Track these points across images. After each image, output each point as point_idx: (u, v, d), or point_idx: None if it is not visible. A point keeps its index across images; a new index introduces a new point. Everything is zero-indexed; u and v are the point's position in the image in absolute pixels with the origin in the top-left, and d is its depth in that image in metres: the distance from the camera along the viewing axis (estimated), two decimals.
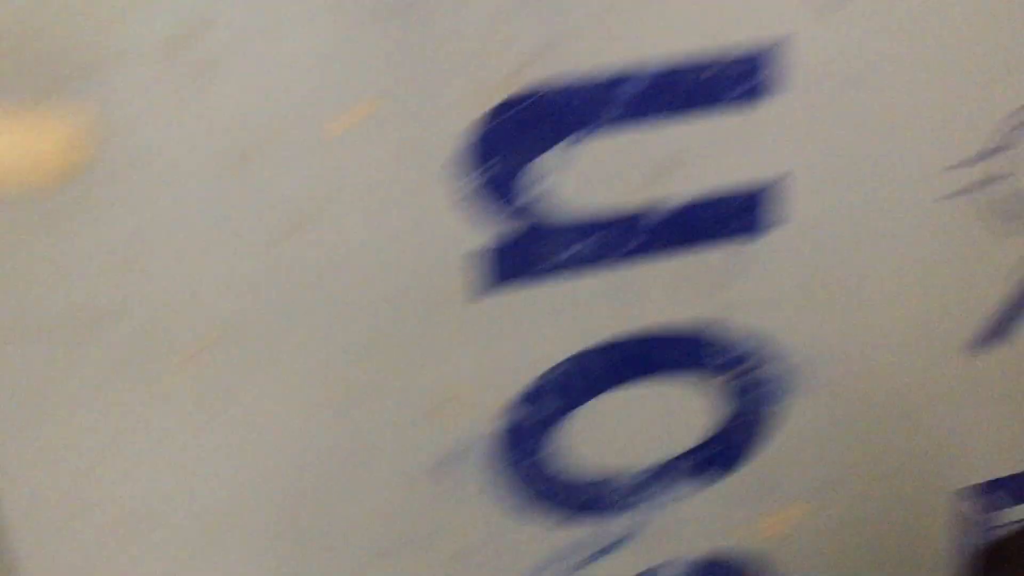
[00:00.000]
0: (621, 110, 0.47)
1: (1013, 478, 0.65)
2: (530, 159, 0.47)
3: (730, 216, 0.52)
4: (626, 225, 0.50)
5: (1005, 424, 0.64)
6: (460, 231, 0.48)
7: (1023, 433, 0.64)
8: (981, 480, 0.65)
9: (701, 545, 0.59)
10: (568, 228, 0.49)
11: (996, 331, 0.61)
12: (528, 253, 0.49)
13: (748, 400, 0.56)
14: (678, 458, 0.56)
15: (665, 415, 0.55)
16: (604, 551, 0.57)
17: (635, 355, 0.53)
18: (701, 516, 0.58)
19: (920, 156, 0.55)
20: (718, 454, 0.57)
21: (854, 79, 0.51)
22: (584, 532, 0.56)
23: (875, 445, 0.61)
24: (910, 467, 0.63)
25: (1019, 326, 0.61)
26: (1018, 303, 0.60)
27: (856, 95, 0.52)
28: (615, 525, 0.56)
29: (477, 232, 0.48)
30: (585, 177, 0.48)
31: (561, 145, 0.47)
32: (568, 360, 0.51)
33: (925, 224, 0.56)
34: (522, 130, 0.46)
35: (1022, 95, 0.55)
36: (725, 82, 0.49)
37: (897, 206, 0.56)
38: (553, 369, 0.51)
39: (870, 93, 0.52)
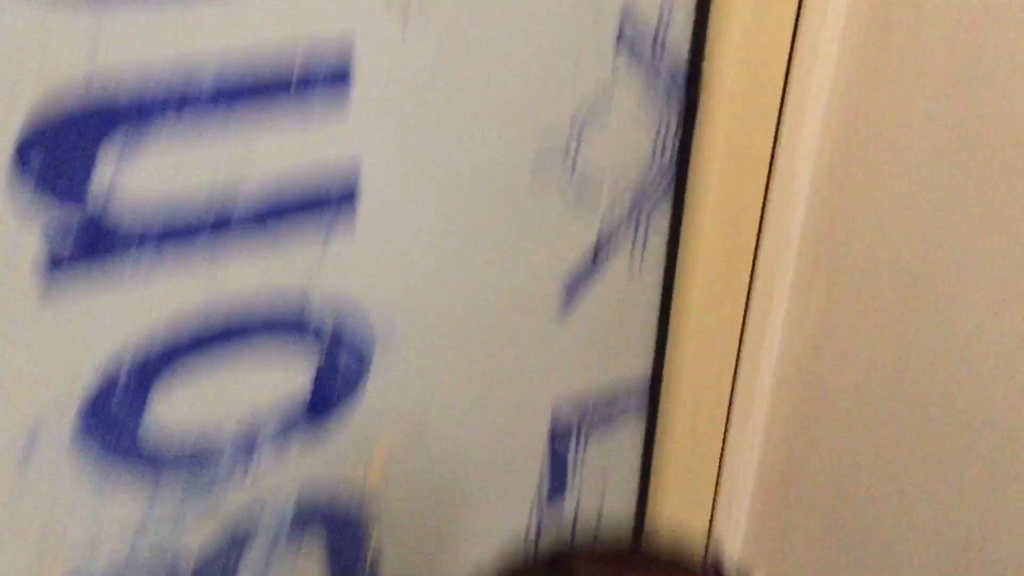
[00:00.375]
0: (190, 105, 0.50)
1: (593, 395, 0.76)
2: (92, 154, 0.49)
3: (309, 198, 0.56)
4: (207, 206, 0.53)
5: (587, 359, 0.74)
6: (24, 224, 0.49)
7: (598, 367, 0.75)
8: (570, 414, 0.76)
9: (306, 490, 0.65)
10: (141, 209, 0.51)
11: (574, 292, 0.71)
12: (101, 237, 0.51)
13: (337, 354, 0.62)
14: (273, 409, 0.61)
15: (260, 371, 0.59)
16: (204, 499, 0.61)
17: (225, 324, 0.57)
18: (295, 463, 0.64)
19: (498, 144, 0.62)
20: (311, 404, 0.63)
21: (424, 81, 0.57)
22: (184, 483, 0.60)
23: (468, 393, 0.70)
24: (503, 410, 0.72)
25: (590, 291, 0.71)
26: (589, 271, 0.70)
27: (428, 94, 0.58)
28: (214, 475, 0.61)
29: (44, 222, 0.49)
30: (160, 165, 0.51)
31: (124, 140, 0.49)
32: (148, 332, 0.54)
33: (512, 196, 0.64)
34: (82, 127, 0.48)
35: (586, 102, 0.64)
36: (299, 79, 0.53)
37: (486, 182, 0.63)
38: (136, 341, 0.54)
39: (444, 90, 0.58)
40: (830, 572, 0.81)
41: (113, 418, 0.56)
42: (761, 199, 0.72)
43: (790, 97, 0.70)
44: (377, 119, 0.57)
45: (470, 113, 0.60)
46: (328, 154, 0.56)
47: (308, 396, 0.62)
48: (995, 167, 0.61)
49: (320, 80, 0.53)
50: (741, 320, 0.77)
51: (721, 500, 0.85)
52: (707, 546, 0.61)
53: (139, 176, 0.50)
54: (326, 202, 0.57)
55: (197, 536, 0.62)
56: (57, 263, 0.50)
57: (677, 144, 0.70)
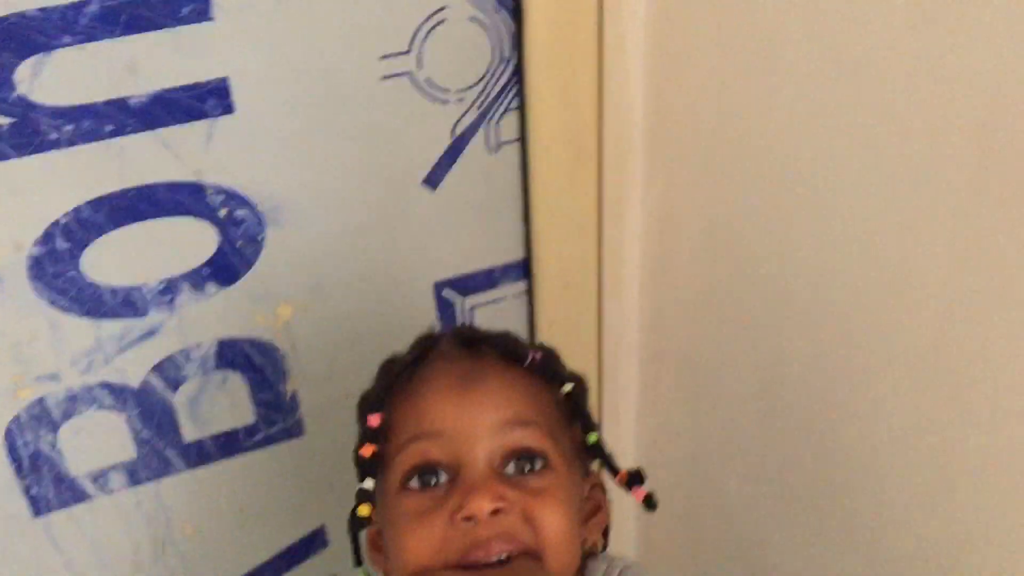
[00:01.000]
0: (84, 29, 0.69)
1: (476, 274, 0.92)
2: (13, 65, 0.68)
3: (192, 105, 0.74)
4: (107, 110, 0.72)
5: (462, 238, 0.90)
6: None
7: (475, 244, 0.90)
8: (452, 276, 0.91)
9: (216, 334, 0.84)
10: (59, 113, 0.70)
11: (441, 171, 0.86)
12: (29, 133, 0.70)
13: (234, 232, 0.80)
14: (187, 274, 0.80)
15: (171, 244, 0.79)
16: (140, 339, 0.81)
17: (139, 202, 0.76)
18: (212, 315, 0.83)
19: (356, 51, 0.78)
20: (218, 271, 0.81)
21: (279, 2, 0.74)
22: (122, 326, 0.80)
23: (354, 261, 0.87)
24: (391, 273, 0.89)
25: (455, 168, 0.86)
26: (452, 152, 0.85)
27: (284, 15, 0.74)
28: (146, 321, 0.80)
29: None
30: (66, 75, 0.70)
31: (38, 54, 0.68)
32: (77, 207, 0.73)
33: (371, 97, 0.80)
34: (1, 45, 0.67)
35: (422, 11, 0.79)
36: (168, 8, 0.70)
37: (344, 87, 0.79)
38: (67, 214, 0.73)
39: (298, 14, 0.75)
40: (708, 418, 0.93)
41: (55, 269, 0.75)
42: (595, 85, 0.85)
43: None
44: (239, 40, 0.74)
45: (317, 32, 0.76)
46: (200, 68, 0.74)
47: (213, 266, 0.81)
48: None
49: (184, 4, 0.71)
50: (596, 198, 0.90)
51: (606, 370, 0.98)
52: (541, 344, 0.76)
53: (50, 86, 0.69)
54: (203, 108, 0.75)
55: (138, 370, 0.82)
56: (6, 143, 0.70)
57: (514, 43, 0.84)
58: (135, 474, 0.86)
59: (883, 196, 0.65)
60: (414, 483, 0.63)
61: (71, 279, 0.77)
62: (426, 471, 0.63)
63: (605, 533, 0.73)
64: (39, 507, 0.83)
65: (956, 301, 0.62)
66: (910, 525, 0.71)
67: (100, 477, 0.85)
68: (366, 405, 0.69)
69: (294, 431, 0.91)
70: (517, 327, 0.97)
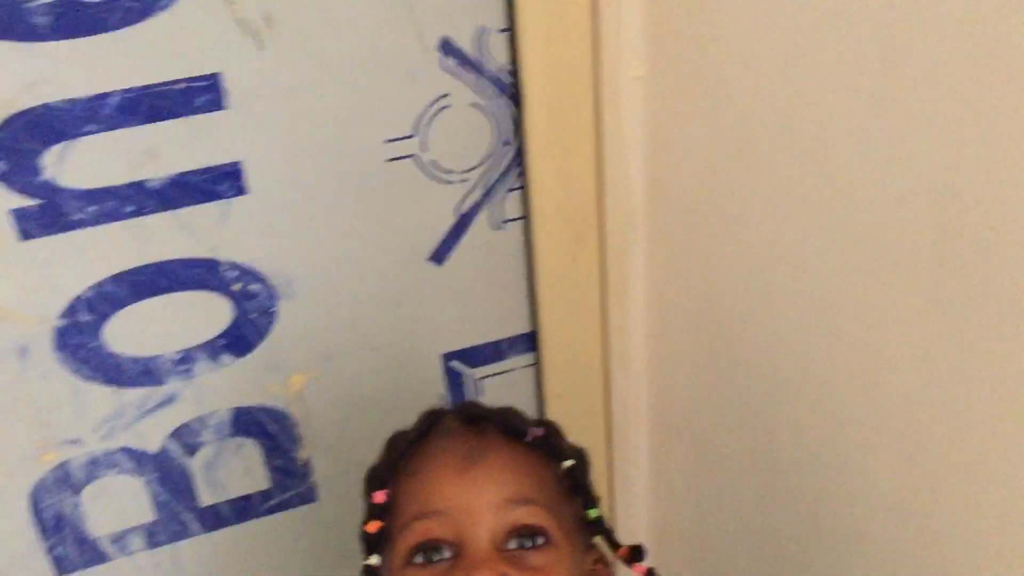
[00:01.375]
0: (106, 119, 0.75)
1: (483, 346, 0.95)
2: (40, 151, 0.74)
3: (208, 187, 0.80)
4: (127, 192, 0.78)
5: (468, 312, 0.94)
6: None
7: (482, 317, 0.94)
8: (459, 347, 0.95)
9: (231, 402, 0.88)
10: (83, 196, 0.76)
11: (446, 248, 0.90)
12: (55, 213, 0.76)
13: (248, 306, 0.85)
14: (203, 345, 0.85)
15: (188, 316, 0.84)
16: (159, 406, 0.85)
17: (158, 277, 0.81)
18: (227, 384, 0.87)
19: (363, 135, 0.83)
20: (232, 343, 0.86)
21: (289, 92, 0.79)
22: (141, 394, 0.84)
23: (364, 333, 0.91)
24: (400, 345, 0.93)
25: (460, 245, 0.90)
26: (457, 230, 0.89)
27: (294, 103, 0.80)
28: (164, 389, 0.85)
29: (13, 199, 0.74)
30: (90, 161, 0.76)
31: (64, 141, 0.74)
32: (100, 282, 0.79)
33: (378, 179, 0.85)
34: (30, 133, 0.73)
35: (426, 98, 0.84)
36: (184, 98, 0.76)
37: (352, 169, 0.84)
38: (90, 288, 0.79)
39: (307, 101, 0.80)
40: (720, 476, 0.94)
41: (79, 340, 0.81)
42: (593, 167, 0.88)
43: (603, 91, 0.85)
44: (252, 127, 0.79)
45: (326, 118, 0.81)
46: (214, 153, 0.79)
47: (228, 338, 0.85)
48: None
49: (198, 95, 0.77)
50: (599, 274, 0.92)
51: (616, 442, 0.99)
52: (542, 419, 0.77)
53: (74, 170, 0.75)
54: (218, 190, 0.80)
55: (157, 436, 0.86)
56: (26, 234, 0.76)
57: (515, 127, 0.88)
58: (154, 536, 0.90)
59: (854, 276, 0.67)
60: (418, 559, 0.65)
61: (93, 350, 0.82)
62: (430, 548, 0.65)
63: None
64: (62, 567, 0.88)
65: (928, 377, 0.63)
66: None
67: (120, 539, 0.89)
68: (372, 481, 0.71)
69: (308, 497, 0.94)
70: (525, 399, 1.00)
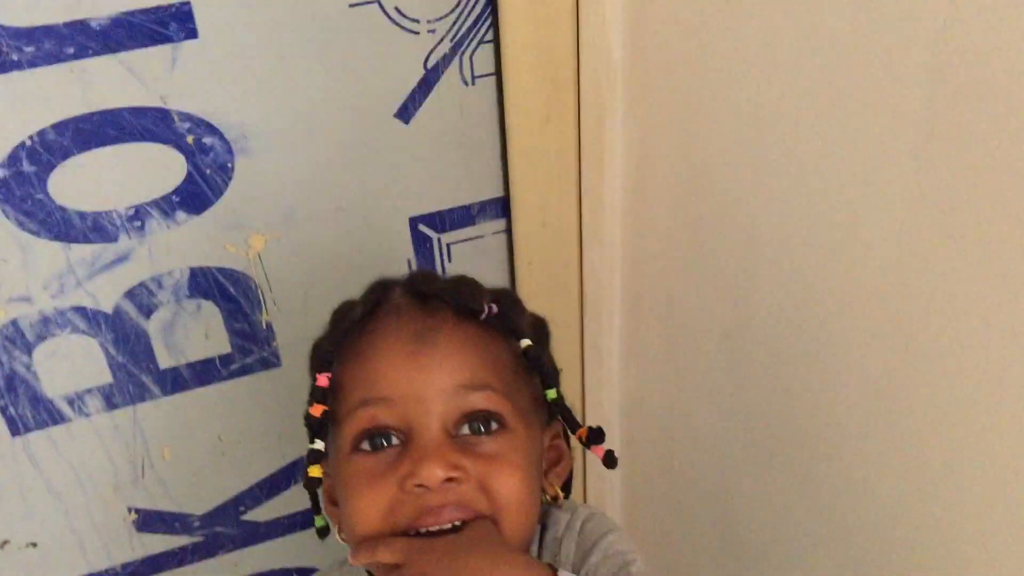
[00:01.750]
0: None
1: (453, 210, 0.91)
2: None
3: (152, 29, 0.74)
4: (67, 32, 0.72)
5: (437, 174, 0.89)
6: None
7: (451, 180, 0.89)
8: (428, 211, 0.91)
9: (188, 262, 0.84)
10: (19, 34, 0.71)
11: (414, 104, 0.85)
12: None
13: (202, 160, 0.81)
14: (156, 201, 0.81)
15: (139, 170, 0.79)
16: (111, 264, 0.82)
17: (104, 126, 0.76)
18: (183, 243, 0.84)
19: None
20: (186, 200, 0.82)
21: None
22: (92, 251, 0.81)
23: (327, 194, 0.87)
24: (365, 206, 0.89)
25: (428, 101, 0.85)
26: (425, 85, 0.84)
27: None
28: (116, 247, 0.81)
29: None
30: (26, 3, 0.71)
31: None
32: (41, 130, 0.74)
33: (339, 25, 0.80)
34: None
35: None
36: None
37: (311, 13, 0.78)
38: (31, 136, 0.74)
39: None
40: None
41: (22, 191, 0.76)
42: (571, 20, 0.82)
43: None
44: None
45: None
46: None
47: (182, 194, 0.81)
48: None
49: None
50: (575, 135, 0.88)
51: (588, 311, 0.97)
52: (498, 290, 0.73)
53: (8, 6, 0.70)
54: (166, 33, 0.75)
55: (111, 295, 0.83)
56: None
57: None
58: (111, 399, 0.88)
59: (841, 144, 0.63)
60: (365, 446, 0.63)
61: (39, 202, 0.78)
62: (377, 435, 0.62)
63: (567, 483, 0.72)
64: (16, 427, 0.85)
65: (913, 248, 0.60)
66: (868, 461, 0.69)
67: (76, 400, 0.87)
68: (316, 359, 0.68)
69: (271, 362, 0.92)
70: (496, 267, 0.97)
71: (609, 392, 1.03)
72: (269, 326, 0.90)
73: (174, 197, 0.81)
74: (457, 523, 0.60)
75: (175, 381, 0.89)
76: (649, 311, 0.95)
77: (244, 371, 0.91)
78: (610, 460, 0.65)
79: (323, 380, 0.64)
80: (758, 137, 0.72)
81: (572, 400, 1.01)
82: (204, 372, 0.90)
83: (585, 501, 1.10)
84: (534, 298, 0.95)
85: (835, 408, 0.71)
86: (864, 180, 0.63)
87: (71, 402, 0.86)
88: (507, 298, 0.69)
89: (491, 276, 0.97)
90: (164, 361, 0.88)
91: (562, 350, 0.99)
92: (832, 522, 0.75)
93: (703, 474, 0.93)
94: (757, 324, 0.78)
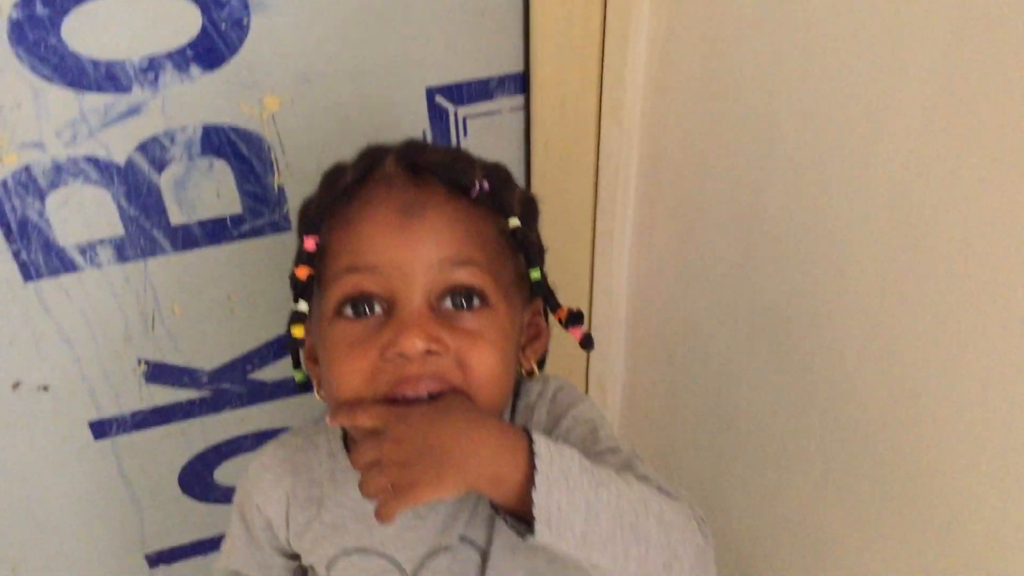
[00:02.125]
0: None
1: (471, 83, 0.90)
2: None
3: None
4: None
5: (457, 44, 0.87)
6: None
7: (470, 51, 0.87)
8: (445, 82, 0.89)
9: (201, 119, 0.84)
10: None
11: None
12: None
13: (217, 14, 0.79)
14: (170, 53, 0.80)
15: (153, 20, 0.78)
16: (124, 115, 0.81)
17: None
18: (197, 98, 0.83)
19: None
20: (201, 54, 0.81)
21: None
22: (105, 100, 0.80)
23: (343, 58, 0.85)
24: (381, 72, 0.87)
25: None
26: None
27: None
28: (129, 97, 0.81)
29: None
30: None
31: None
32: None
33: None
34: None
35: None
36: None
37: None
38: None
39: None
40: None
41: (36, 35, 0.75)
42: None
43: None
44: None
45: None
46: None
47: (197, 48, 0.80)
48: None
49: None
50: (601, 11, 0.86)
51: (602, 194, 0.96)
52: (490, 164, 0.73)
53: None
54: None
55: (123, 146, 0.83)
56: None
57: None
58: (123, 251, 0.89)
59: (870, 44, 0.61)
60: (348, 311, 0.63)
61: (52, 47, 0.77)
62: (360, 302, 0.63)
63: (542, 359, 0.73)
64: (29, 273, 0.87)
65: (933, 141, 0.58)
66: (870, 365, 0.69)
67: (88, 250, 0.88)
68: (304, 221, 0.68)
69: (280, 225, 0.92)
70: (512, 143, 0.95)
71: (618, 278, 1.04)
72: (281, 190, 0.91)
73: (188, 51, 0.80)
74: (433, 393, 0.62)
75: (186, 237, 0.90)
76: (663, 196, 0.94)
77: (255, 232, 0.92)
78: (587, 342, 0.67)
79: (310, 243, 0.65)
80: (785, 19, 0.70)
81: (581, 283, 1.02)
82: (215, 231, 0.91)
83: (587, 380, 1.12)
84: (548, 178, 0.96)
85: (840, 303, 0.71)
86: (890, 67, 0.61)
87: (83, 252, 0.88)
88: (499, 174, 0.69)
89: (506, 153, 0.96)
90: (175, 217, 0.89)
91: (573, 233, 1.00)
92: (824, 411, 0.76)
93: (703, 364, 0.94)
94: (769, 219, 0.77)
